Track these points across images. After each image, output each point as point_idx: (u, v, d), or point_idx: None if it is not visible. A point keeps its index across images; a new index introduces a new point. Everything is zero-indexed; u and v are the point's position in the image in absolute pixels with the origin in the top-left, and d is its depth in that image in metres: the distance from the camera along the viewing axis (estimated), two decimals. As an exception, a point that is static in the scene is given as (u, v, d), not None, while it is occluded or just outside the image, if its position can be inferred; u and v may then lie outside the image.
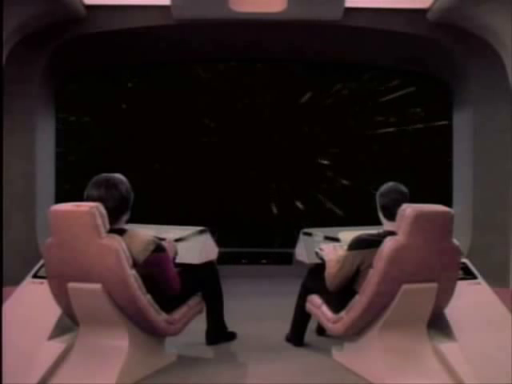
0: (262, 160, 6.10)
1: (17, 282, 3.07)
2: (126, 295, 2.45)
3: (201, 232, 3.38)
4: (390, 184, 2.81)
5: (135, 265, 2.48)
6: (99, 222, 2.37)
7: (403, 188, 2.79)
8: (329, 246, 3.13)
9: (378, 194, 2.82)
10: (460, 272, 2.88)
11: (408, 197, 2.74)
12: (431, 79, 5.62)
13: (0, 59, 3.95)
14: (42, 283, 2.85)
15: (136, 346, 2.61)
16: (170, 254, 2.80)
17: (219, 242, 3.41)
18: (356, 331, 2.76)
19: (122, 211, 2.58)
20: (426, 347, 2.68)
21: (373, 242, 2.64)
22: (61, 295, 2.55)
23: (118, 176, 2.61)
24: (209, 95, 5.99)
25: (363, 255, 2.68)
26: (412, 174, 5.38)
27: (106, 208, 2.44)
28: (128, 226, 2.65)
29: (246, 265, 5.76)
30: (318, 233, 3.44)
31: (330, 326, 2.86)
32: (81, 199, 2.53)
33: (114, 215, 2.51)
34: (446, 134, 5.64)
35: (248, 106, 6.09)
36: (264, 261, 5.82)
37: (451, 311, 2.80)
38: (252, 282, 5.23)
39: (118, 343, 2.56)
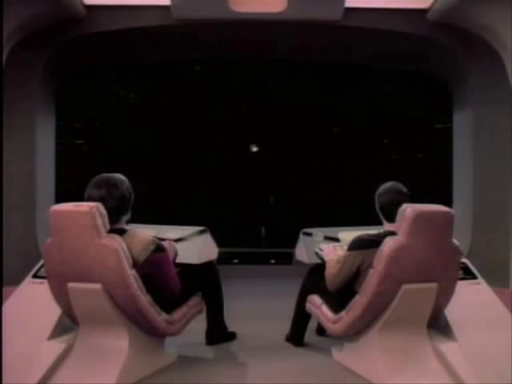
0: (262, 160, 6.10)
1: (17, 282, 3.07)
2: (126, 295, 2.45)
3: (201, 232, 3.37)
4: (388, 184, 2.79)
5: (135, 265, 2.47)
6: (99, 222, 2.37)
7: (402, 188, 2.76)
8: (329, 246, 3.13)
9: (376, 194, 2.81)
10: (460, 272, 2.88)
11: (407, 196, 2.71)
12: (431, 79, 5.62)
13: (0, 59, 3.95)
14: (42, 283, 2.84)
15: (136, 346, 2.61)
16: (170, 254, 2.80)
17: (219, 242, 3.41)
18: (356, 331, 2.76)
19: (122, 211, 2.58)
20: (426, 347, 2.68)
21: (373, 243, 2.64)
22: (61, 295, 2.55)
23: (119, 176, 2.61)
24: (209, 95, 5.99)
25: (363, 255, 2.68)
26: (412, 173, 5.39)
27: (107, 208, 2.44)
28: (128, 226, 2.65)
29: (246, 265, 5.76)
30: (318, 233, 3.44)
31: (329, 326, 2.86)
32: (81, 199, 2.53)
33: (114, 215, 2.51)
34: (446, 134, 5.64)
35: (248, 105, 6.10)
36: (265, 261, 5.82)
37: (451, 311, 2.80)
38: (252, 282, 5.23)
39: (118, 343, 2.56)
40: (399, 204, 2.58)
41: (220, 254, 3.40)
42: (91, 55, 5.20)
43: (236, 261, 5.75)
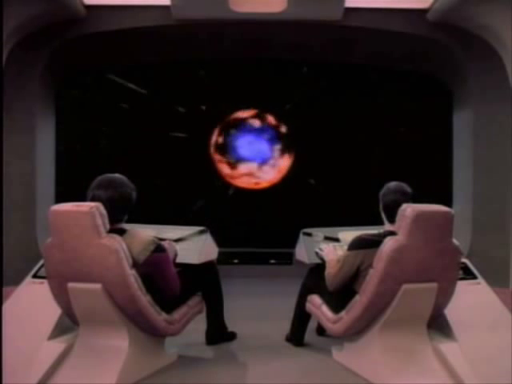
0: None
1: (17, 282, 3.07)
2: (126, 295, 2.45)
3: (201, 232, 3.37)
4: (392, 184, 2.78)
5: (135, 265, 2.47)
6: (99, 222, 2.37)
7: (406, 188, 2.75)
8: (329, 246, 3.13)
9: (380, 194, 2.81)
10: (460, 272, 2.88)
11: (411, 197, 2.70)
12: (431, 79, 5.62)
13: (0, 59, 3.95)
14: (42, 283, 2.84)
15: (136, 346, 2.61)
16: (170, 254, 2.80)
17: (219, 242, 3.41)
18: (356, 331, 2.76)
19: (124, 211, 2.59)
20: (426, 347, 2.68)
21: (373, 242, 2.64)
22: (61, 295, 2.55)
23: (121, 176, 2.61)
24: (208, 95, 5.99)
25: (363, 255, 2.68)
26: (412, 173, 5.37)
27: (112, 208, 2.45)
28: (128, 226, 2.65)
29: (246, 265, 5.76)
30: (318, 233, 3.44)
31: (329, 326, 2.86)
32: (79, 199, 2.52)
33: (116, 215, 2.52)
34: (446, 134, 5.64)
35: (247, 105, 6.10)
36: (265, 261, 5.83)
37: (451, 311, 2.80)
38: (252, 282, 5.23)
39: (118, 343, 2.56)
40: (402, 204, 2.57)
41: (220, 254, 3.40)
42: (91, 55, 5.20)
43: (236, 261, 5.75)
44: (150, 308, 2.55)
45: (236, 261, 5.75)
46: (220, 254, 3.39)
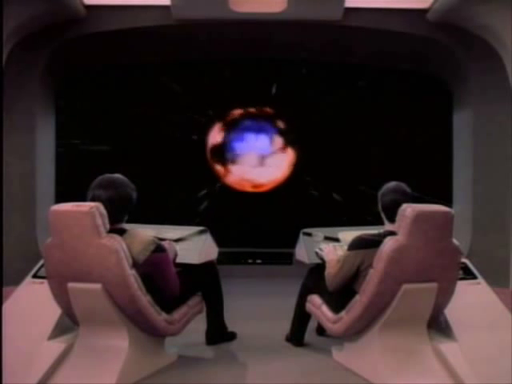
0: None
1: (17, 282, 3.07)
2: (126, 295, 2.45)
3: (201, 232, 3.37)
4: (392, 184, 2.78)
5: (135, 265, 2.48)
6: (99, 222, 2.37)
7: (405, 188, 2.75)
8: (329, 246, 3.13)
9: (379, 194, 2.81)
10: (460, 272, 2.88)
11: (410, 197, 2.70)
12: (431, 79, 5.62)
13: (0, 59, 3.95)
14: (42, 283, 2.85)
15: (136, 346, 2.61)
16: (170, 254, 2.80)
17: (219, 242, 3.40)
18: (356, 331, 2.76)
19: (124, 211, 2.59)
20: (426, 347, 2.68)
21: (373, 242, 2.64)
22: (61, 295, 2.55)
23: (122, 177, 2.61)
24: (208, 95, 5.99)
25: (363, 255, 2.68)
26: (412, 173, 5.38)
27: (112, 208, 2.45)
28: (128, 226, 2.65)
29: (246, 265, 5.77)
30: (318, 233, 3.44)
31: (329, 326, 2.86)
32: (79, 199, 2.52)
33: (116, 215, 2.52)
34: (446, 134, 5.64)
35: (247, 105, 6.10)
36: (263, 261, 5.83)
37: (451, 311, 2.80)
38: (252, 282, 5.23)
39: (118, 343, 2.56)
40: (402, 204, 2.57)
41: (220, 254, 3.40)
42: (91, 55, 5.21)
43: (244, 261, 5.76)
44: (149, 308, 2.55)
45: (237, 261, 5.74)
46: (220, 253, 3.39)
